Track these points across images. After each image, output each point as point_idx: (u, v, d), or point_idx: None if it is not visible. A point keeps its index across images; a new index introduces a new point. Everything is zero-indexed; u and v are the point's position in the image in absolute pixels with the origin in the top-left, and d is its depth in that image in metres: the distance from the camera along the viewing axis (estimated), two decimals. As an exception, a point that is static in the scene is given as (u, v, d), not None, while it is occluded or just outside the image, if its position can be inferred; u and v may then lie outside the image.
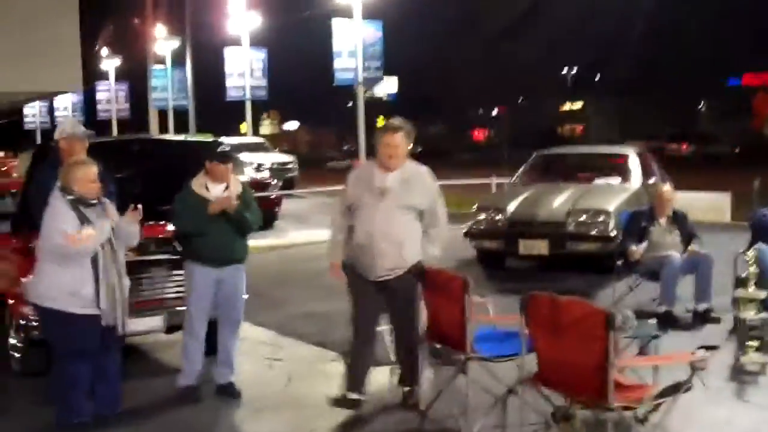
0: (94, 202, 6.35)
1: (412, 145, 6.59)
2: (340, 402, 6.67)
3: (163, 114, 33.89)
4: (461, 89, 60.49)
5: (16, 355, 7.91)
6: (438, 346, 6.81)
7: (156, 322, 7.84)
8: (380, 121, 68.82)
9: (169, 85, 34.13)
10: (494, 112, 71.16)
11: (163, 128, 32.78)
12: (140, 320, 7.61)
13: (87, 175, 6.31)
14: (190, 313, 7.21)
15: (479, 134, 70.26)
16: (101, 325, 6.30)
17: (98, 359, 6.47)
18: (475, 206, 13.32)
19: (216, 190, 7.07)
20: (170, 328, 7.88)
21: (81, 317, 6.24)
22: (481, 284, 9.79)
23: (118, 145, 8.92)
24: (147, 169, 8.56)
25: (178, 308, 7.57)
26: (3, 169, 30.58)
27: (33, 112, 44.98)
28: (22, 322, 7.57)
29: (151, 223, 8.48)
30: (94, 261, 6.26)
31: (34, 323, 7.28)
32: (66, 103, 41.53)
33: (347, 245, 6.65)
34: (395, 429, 6.45)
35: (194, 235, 7.07)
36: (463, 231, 13.21)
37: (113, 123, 36.75)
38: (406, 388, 6.85)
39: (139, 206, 6.49)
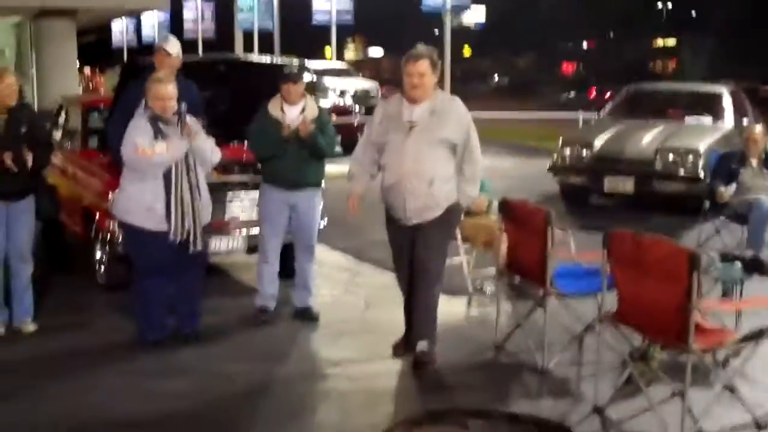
0: (169, 119, 6.36)
1: (436, 77, 6.01)
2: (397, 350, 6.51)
3: (248, 35, 33.90)
4: (551, 21, 59.23)
5: (101, 269, 8.09)
6: (517, 279, 6.76)
7: (237, 242, 7.94)
8: (467, 51, 68.03)
9: (255, 6, 34.04)
10: (584, 46, 69.68)
11: (248, 49, 32.81)
12: (222, 240, 7.72)
13: (158, 92, 6.31)
14: (262, 235, 7.27)
15: (568, 67, 68.96)
16: (175, 242, 6.36)
17: (179, 277, 6.58)
18: (560, 141, 13.11)
19: (291, 112, 7.03)
20: (251, 249, 7.96)
21: (155, 233, 6.32)
22: (564, 220, 9.65)
23: (205, 65, 8.92)
24: (233, 90, 8.58)
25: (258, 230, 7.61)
26: (91, 85, 31.06)
27: (120, 29, 45.44)
28: (106, 236, 7.73)
29: (235, 144, 8.55)
30: (167, 177, 6.31)
31: (118, 238, 7.43)
32: (153, 22, 41.81)
33: (382, 188, 6.19)
34: (470, 360, 6.44)
35: (268, 157, 7.08)
36: (548, 166, 13.07)
37: (199, 42, 36.90)
38: (420, 350, 6.18)
39: (190, 121, 6.44)
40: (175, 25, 38.82)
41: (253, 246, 7.84)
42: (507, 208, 6.52)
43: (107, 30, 44.86)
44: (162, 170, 6.28)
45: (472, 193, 6.16)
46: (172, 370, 6.17)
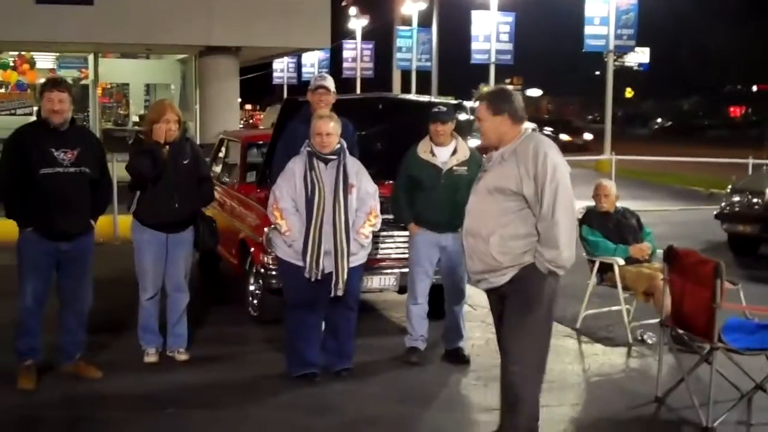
0: (331, 157, 6.37)
1: (509, 119, 4.88)
2: None
3: (405, 74, 34.24)
4: (718, 63, 57.46)
5: (254, 301, 8.15)
6: (681, 331, 6.39)
7: (389, 281, 7.86)
8: (628, 92, 66.84)
9: (413, 46, 34.38)
10: (754, 89, 67.32)
11: (406, 89, 33.14)
12: (374, 278, 7.65)
13: (319, 127, 6.36)
14: (412, 276, 7.17)
15: (736, 111, 66.69)
16: (314, 280, 6.32)
17: (328, 314, 6.55)
18: (729, 187, 12.54)
19: (442, 154, 6.95)
20: (402, 289, 7.86)
21: (302, 269, 6.32)
22: (732, 270, 9.15)
23: (362, 103, 8.94)
24: (389, 128, 8.56)
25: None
26: (250, 121, 31.99)
27: (281, 67, 46.69)
28: (260, 269, 7.78)
29: (389, 182, 8.49)
30: (309, 216, 6.31)
31: (272, 272, 7.47)
32: (313, 60, 42.80)
33: None
34: (629, 414, 6.13)
35: (410, 199, 7.04)
36: (714, 213, 12.52)
37: (357, 81, 37.52)
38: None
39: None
40: (335, 63, 39.64)
41: (404, 285, 7.73)
42: (673, 257, 6.17)
43: (268, 67, 46.22)
44: (306, 209, 6.30)
45: (549, 255, 4.77)
46: (321, 407, 6.09)
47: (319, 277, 6.30)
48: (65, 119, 6.20)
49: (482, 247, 4.86)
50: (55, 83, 6.33)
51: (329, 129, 6.36)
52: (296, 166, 6.39)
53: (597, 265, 8.02)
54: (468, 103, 17.71)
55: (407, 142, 7.20)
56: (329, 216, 6.30)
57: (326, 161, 6.38)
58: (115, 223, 12.33)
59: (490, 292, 5.05)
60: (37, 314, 6.33)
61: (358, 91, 32.86)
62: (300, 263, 6.32)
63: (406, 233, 7.40)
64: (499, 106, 4.88)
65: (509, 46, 32.02)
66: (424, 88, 32.11)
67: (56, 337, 6.54)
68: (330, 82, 7.30)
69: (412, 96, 13.08)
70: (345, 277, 6.37)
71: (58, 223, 6.16)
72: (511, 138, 4.86)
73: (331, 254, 6.32)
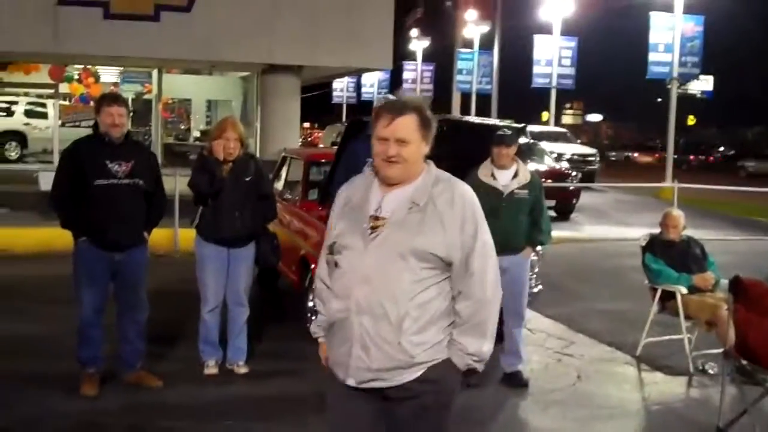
0: None
1: (428, 146, 3.51)
2: None
3: (465, 97, 34.25)
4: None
5: (313, 318, 8.17)
6: (744, 362, 6.29)
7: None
8: (690, 120, 66.13)
9: (474, 69, 34.41)
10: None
11: (465, 111, 33.14)
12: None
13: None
14: None
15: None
16: None
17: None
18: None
19: (503, 177, 6.95)
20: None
21: None
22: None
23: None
24: (450, 150, 8.54)
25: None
26: (309, 139, 32.21)
27: (341, 87, 46.97)
28: (322, 287, 7.80)
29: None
30: None
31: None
32: (372, 80, 42.99)
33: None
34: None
35: None
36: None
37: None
38: None
39: None
40: (394, 84, 39.78)
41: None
42: (739, 288, 6.09)
43: (327, 86, 46.54)
44: None
45: (474, 348, 3.45)
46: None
47: None
48: (122, 133, 6.34)
49: (388, 334, 3.35)
50: (113, 98, 6.47)
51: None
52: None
53: (659, 293, 7.93)
54: (528, 127, 17.66)
55: (468, 165, 7.15)
56: None
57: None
58: (176, 236, 12.48)
59: (360, 394, 3.48)
60: (97, 324, 6.44)
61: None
62: None
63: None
64: (430, 125, 3.49)
65: (571, 71, 31.95)
66: (483, 111, 32.08)
67: (116, 346, 6.65)
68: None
69: (476, 118, 13.07)
70: None
71: (112, 234, 6.27)
72: (418, 172, 3.50)
73: None
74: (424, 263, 3.38)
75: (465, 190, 3.52)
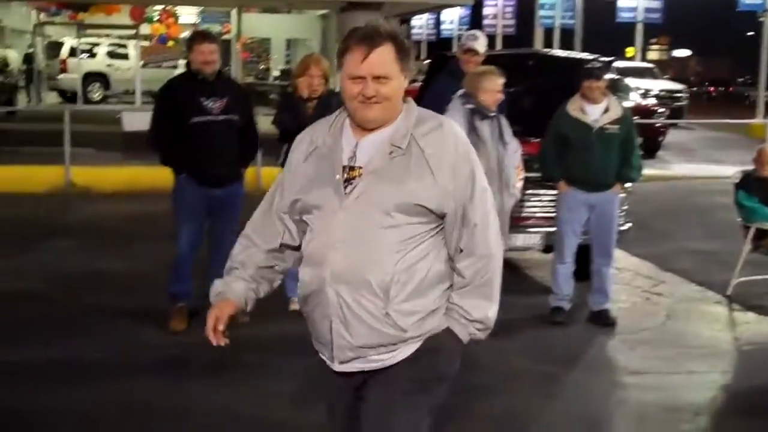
0: (492, 114, 6.32)
1: (407, 79, 2.91)
2: None
3: (548, 32, 33.58)
4: None
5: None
6: None
7: (534, 239, 7.74)
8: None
9: (557, 3, 33.65)
10: None
11: (547, 47, 32.49)
12: (519, 236, 7.54)
13: (495, 85, 6.31)
14: (559, 235, 7.06)
15: None
16: None
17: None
18: None
19: (593, 111, 6.78)
20: (547, 248, 7.73)
21: None
22: None
23: (512, 59, 8.78)
24: (538, 85, 8.40)
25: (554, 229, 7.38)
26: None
27: (420, 24, 46.46)
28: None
29: (537, 140, 8.36)
30: None
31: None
32: (453, 17, 42.38)
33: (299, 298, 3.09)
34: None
35: (560, 157, 6.89)
36: None
37: (498, 38, 37.04)
38: None
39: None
40: (475, 19, 39.19)
41: (549, 245, 7.59)
42: None
43: (405, 23, 46.06)
44: None
45: (479, 314, 2.93)
46: (466, 362, 6.02)
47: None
48: (214, 70, 6.33)
49: (370, 304, 2.82)
50: (204, 36, 6.52)
51: (501, 86, 6.33)
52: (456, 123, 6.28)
53: (752, 231, 7.69)
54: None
55: (556, 100, 7.04)
56: (492, 176, 6.25)
57: (487, 118, 6.32)
58: (259, 175, 12.54)
59: (338, 378, 2.99)
60: (190, 259, 6.51)
61: (499, 47, 32.41)
62: None
63: (553, 192, 7.26)
64: (408, 54, 2.92)
65: (658, 4, 30.94)
66: (566, 47, 31.39)
67: (206, 281, 6.69)
68: (479, 44, 7.23)
69: (563, 52, 12.76)
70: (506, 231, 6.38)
71: (210, 170, 6.30)
72: (397, 113, 2.92)
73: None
74: (411, 217, 2.82)
75: (455, 128, 2.96)
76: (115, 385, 5.50)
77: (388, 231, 2.81)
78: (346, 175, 2.86)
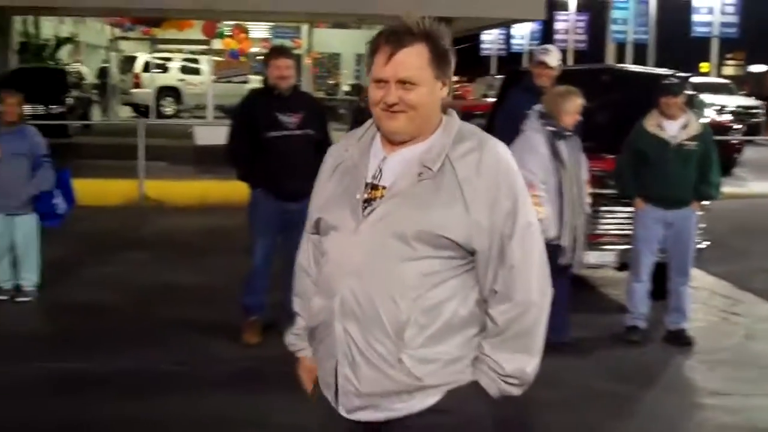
0: (569, 133, 6.25)
1: (447, 87, 2.54)
2: None
3: (620, 47, 33.26)
4: None
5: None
6: None
7: (608, 257, 7.62)
8: None
9: (630, 18, 33.31)
10: None
11: (620, 62, 32.16)
12: (593, 253, 7.43)
13: (576, 107, 6.24)
14: (635, 253, 6.94)
15: None
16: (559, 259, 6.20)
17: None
18: None
19: (671, 127, 6.67)
20: (622, 266, 7.60)
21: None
22: None
23: (586, 74, 8.67)
24: (612, 100, 8.28)
25: (630, 246, 7.26)
26: (457, 92, 31.93)
27: (490, 39, 46.37)
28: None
29: (611, 156, 8.25)
30: (560, 194, 6.19)
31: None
32: (523, 32, 42.25)
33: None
34: None
35: (637, 174, 6.79)
36: None
37: (569, 53, 36.79)
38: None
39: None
40: (546, 34, 39.00)
41: (624, 262, 7.46)
42: None
43: (474, 39, 45.98)
44: (557, 192, 6.19)
45: (512, 367, 2.50)
46: (543, 379, 5.94)
47: (573, 264, 6.32)
48: (290, 85, 6.36)
49: (382, 347, 2.44)
50: (281, 51, 6.59)
51: (580, 108, 6.26)
52: (539, 144, 6.23)
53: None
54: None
55: (630, 116, 6.95)
56: (573, 196, 6.21)
57: (566, 138, 6.25)
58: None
59: (356, 428, 2.56)
60: (265, 273, 6.53)
61: (570, 62, 32.15)
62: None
63: (628, 209, 7.17)
64: (447, 58, 2.51)
65: (734, 18, 30.43)
66: (639, 62, 31.02)
67: (281, 295, 6.70)
68: (551, 57, 7.18)
69: (638, 68, 12.61)
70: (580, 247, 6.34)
71: (286, 184, 6.31)
72: (433, 126, 2.53)
73: (569, 225, 6.26)
74: (436, 250, 2.42)
75: (500, 150, 2.49)
76: (186, 397, 5.53)
77: (408, 263, 2.42)
78: (366, 195, 2.50)
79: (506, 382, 2.49)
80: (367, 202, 2.48)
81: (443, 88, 2.49)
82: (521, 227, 2.45)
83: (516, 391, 2.52)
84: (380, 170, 2.51)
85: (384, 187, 2.48)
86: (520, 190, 2.48)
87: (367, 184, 2.51)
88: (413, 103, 2.44)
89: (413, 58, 2.43)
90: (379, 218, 2.45)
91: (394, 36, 2.45)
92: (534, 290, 2.47)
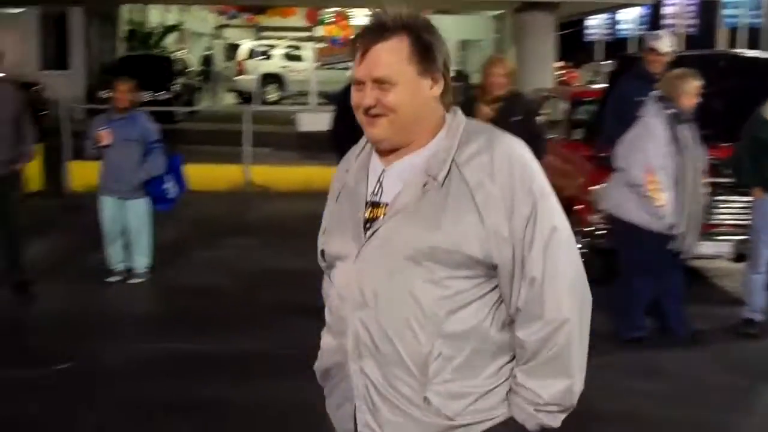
0: (689, 118, 6.08)
1: (439, 85, 2.21)
2: None
3: (732, 32, 32.31)
4: None
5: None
6: None
7: (724, 247, 7.39)
8: None
9: (743, 1, 32.32)
10: None
11: (731, 47, 31.27)
12: (708, 244, 7.22)
13: (695, 89, 6.06)
14: (755, 244, 6.70)
15: None
16: (668, 242, 6.09)
17: (661, 277, 6.30)
18: None
19: None
20: (738, 257, 7.36)
21: (655, 235, 6.05)
22: None
23: (701, 60, 8.43)
24: (729, 87, 8.02)
25: (747, 236, 7.02)
26: (562, 78, 31.44)
27: (595, 24, 45.56)
28: (587, 229, 7.56)
29: (727, 145, 8.01)
30: (678, 180, 6.03)
31: (601, 231, 7.25)
32: (631, 16, 41.43)
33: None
34: None
35: (756, 163, 6.54)
36: None
37: (679, 38, 35.91)
38: None
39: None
40: (654, 18, 38.12)
41: (741, 253, 7.22)
42: None
43: (578, 24, 45.23)
44: (676, 178, 6.04)
45: (549, 393, 2.16)
46: (647, 369, 5.90)
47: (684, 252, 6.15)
48: None
49: (405, 386, 2.16)
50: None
51: (698, 90, 6.11)
52: (657, 128, 6.07)
53: None
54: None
55: (747, 104, 6.72)
56: (691, 182, 6.07)
57: (686, 122, 6.08)
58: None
59: None
60: None
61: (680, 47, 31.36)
62: (654, 228, 6.07)
63: (746, 198, 6.92)
64: (431, 52, 2.20)
65: None
66: (752, 47, 30.12)
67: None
68: (662, 43, 7.06)
69: (756, 53, 12.19)
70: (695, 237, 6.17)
71: None
72: (433, 128, 2.23)
73: (685, 215, 6.10)
74: (452, 270, 2.11)
75: (513, 147, 2.17)
76: (289, 381, 5.54)
77: (422, 287, 2.12)
78: (367, 215, 2.20)
79: (546, 411, 2.17)
80: (368, 222, 2.19)
81: (434, 85, 2.19)
82: (543, 233, 2.11)
83: (557, 421, 2.20)
84: (380, 185, 2.22)
85: (386, 204, 2.18)
86: (541, 190, 2.15)
87: (367, 203, 2.22)
88: (392, 104, 2.14)
89: (388, 55, 2.13)
90: (383, 239, 2.15)
91: (367, 32, 2.18)
92: (565, 305, 2.13)
